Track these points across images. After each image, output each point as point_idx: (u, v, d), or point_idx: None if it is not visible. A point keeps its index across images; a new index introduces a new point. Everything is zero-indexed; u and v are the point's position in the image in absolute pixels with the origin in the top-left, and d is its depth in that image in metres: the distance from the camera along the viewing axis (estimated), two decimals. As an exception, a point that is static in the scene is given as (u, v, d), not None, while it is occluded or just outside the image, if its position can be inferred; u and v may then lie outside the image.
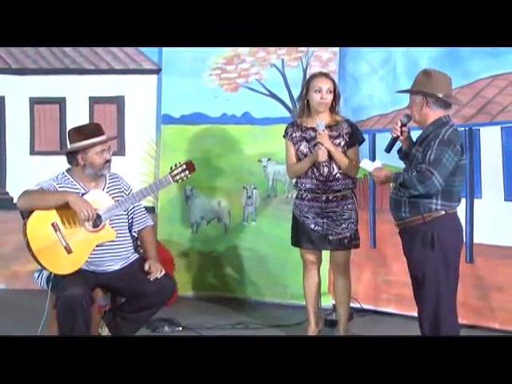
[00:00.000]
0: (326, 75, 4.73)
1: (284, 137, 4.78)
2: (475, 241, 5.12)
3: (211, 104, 5.92)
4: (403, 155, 4.21)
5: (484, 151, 5.07)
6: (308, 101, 4.68)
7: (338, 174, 4.65)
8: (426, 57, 5.18)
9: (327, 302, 5.71)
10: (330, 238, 4.67)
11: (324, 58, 5.67)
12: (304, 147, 4.70)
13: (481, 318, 5.10)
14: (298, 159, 4.73)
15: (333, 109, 4.70)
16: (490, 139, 5.05)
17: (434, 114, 4.02)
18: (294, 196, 4.86)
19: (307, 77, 5.66)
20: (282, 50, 5.75)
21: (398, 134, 4.15)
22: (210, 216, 6.00)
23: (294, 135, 4.73)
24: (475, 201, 5.12)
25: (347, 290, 4.80)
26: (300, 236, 4.75)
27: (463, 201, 5.06)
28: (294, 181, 4.88)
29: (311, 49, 5.66)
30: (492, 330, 5.00)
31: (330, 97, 4.64)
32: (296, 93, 5.67)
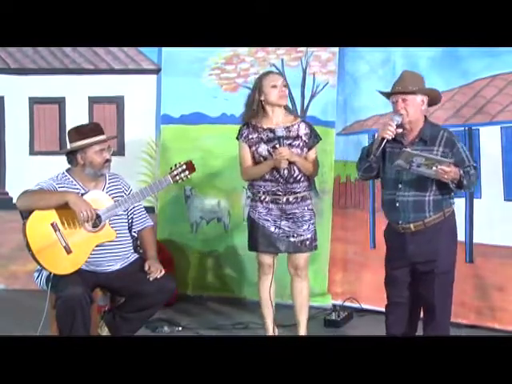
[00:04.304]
0: (277, 72, 4.91)
1: (237, 138, 4.66)
2: (475, 241, 5.12)
3: (211, 104, 5.92)
4: (374, 155, 4.14)
5: (483, 151, 5.07)
6: (262, 101, 4.57)
7: (299, 176, 4.58)
8: (425, 57, 5.19)
9: (327, 301, 5.72)
10: (292, 239, 4.60)
11: (323, 57, 5.67)
12: (263, 149, 4.57)
13: (481, 318, 5.10)
14: (255, 161, 4.62)
15: (287, 109, 4.66)
16: (490, 139, 5.05)
17: (425, 112, 4.11)
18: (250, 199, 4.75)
19: (306, 76, 5.70)
20: (282, 50, 5.75)
21: (393, 135, 4.07)
22: (209, 216, 6.00)
23: (250, 137, 4.60)
24: (475, 201, 5.12)
25: (306, 293, 4.71)
26: (260, 240, 4.63)
27: (463, 200, 5.09)
28: (247, 183, 4.79)
29: (310, 49, 5.66)
30: (492, 330, 5.01)
31: (286, 91, 4.63)
32: (296, 93, 5.71)
